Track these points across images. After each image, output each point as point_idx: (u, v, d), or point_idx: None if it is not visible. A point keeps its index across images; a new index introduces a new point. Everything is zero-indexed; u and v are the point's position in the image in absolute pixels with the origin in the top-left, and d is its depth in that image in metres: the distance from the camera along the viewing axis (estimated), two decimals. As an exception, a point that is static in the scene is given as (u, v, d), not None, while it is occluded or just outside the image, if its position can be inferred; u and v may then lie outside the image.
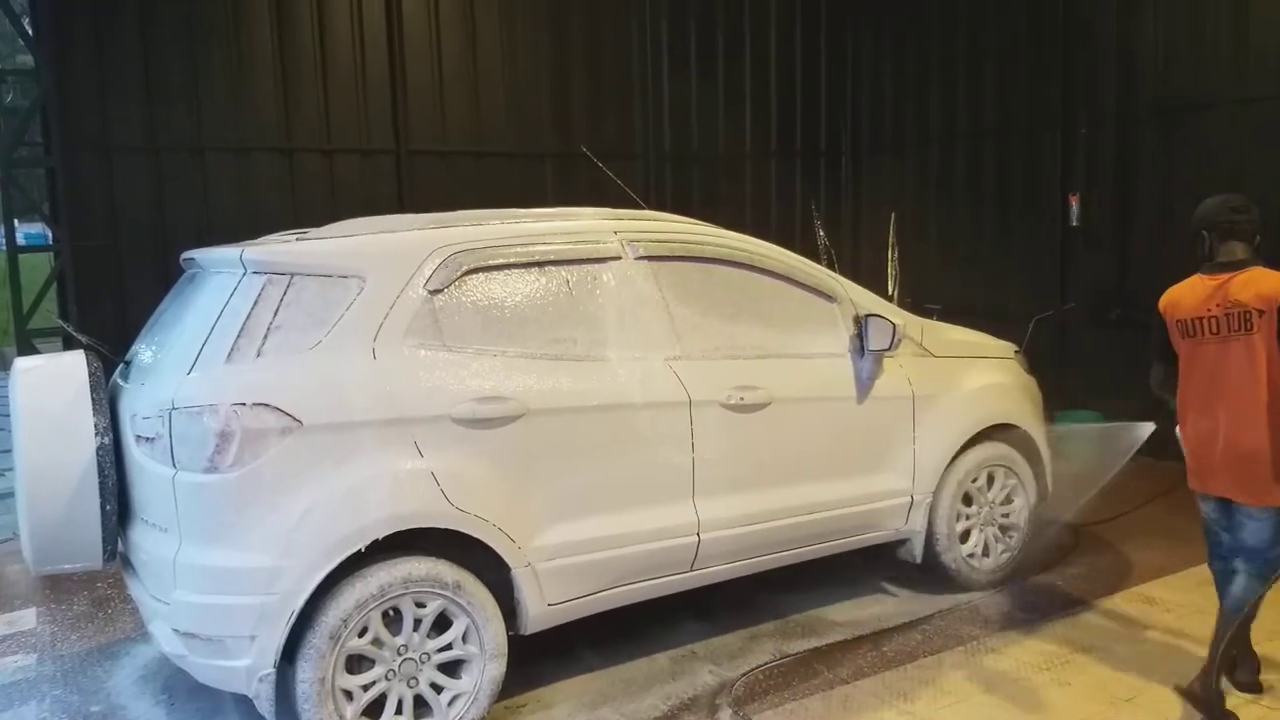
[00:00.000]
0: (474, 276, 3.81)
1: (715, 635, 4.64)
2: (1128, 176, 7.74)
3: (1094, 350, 7.80)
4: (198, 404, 3.32)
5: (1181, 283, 3.80)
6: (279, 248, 3.66)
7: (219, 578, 3.32)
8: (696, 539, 4.14)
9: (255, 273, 3.52)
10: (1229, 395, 3.61)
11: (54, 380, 3.67)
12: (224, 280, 3.59)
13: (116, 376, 3.96)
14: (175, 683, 4.29)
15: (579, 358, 3.94)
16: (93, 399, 3.63)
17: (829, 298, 4.67)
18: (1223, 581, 3.86)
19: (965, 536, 5.03)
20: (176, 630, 3.39)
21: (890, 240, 5.90)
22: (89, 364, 3.71)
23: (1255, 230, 3.65)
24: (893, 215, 6.07)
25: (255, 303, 3.47)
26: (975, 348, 5.20)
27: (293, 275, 3.54)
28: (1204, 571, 4.12)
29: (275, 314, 3.47)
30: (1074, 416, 6.82)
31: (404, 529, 3.49)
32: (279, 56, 7.67)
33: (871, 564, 5.17)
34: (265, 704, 3.35)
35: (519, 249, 3.94)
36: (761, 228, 4.57)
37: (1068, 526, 5.88)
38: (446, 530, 3.58)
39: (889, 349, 4.53)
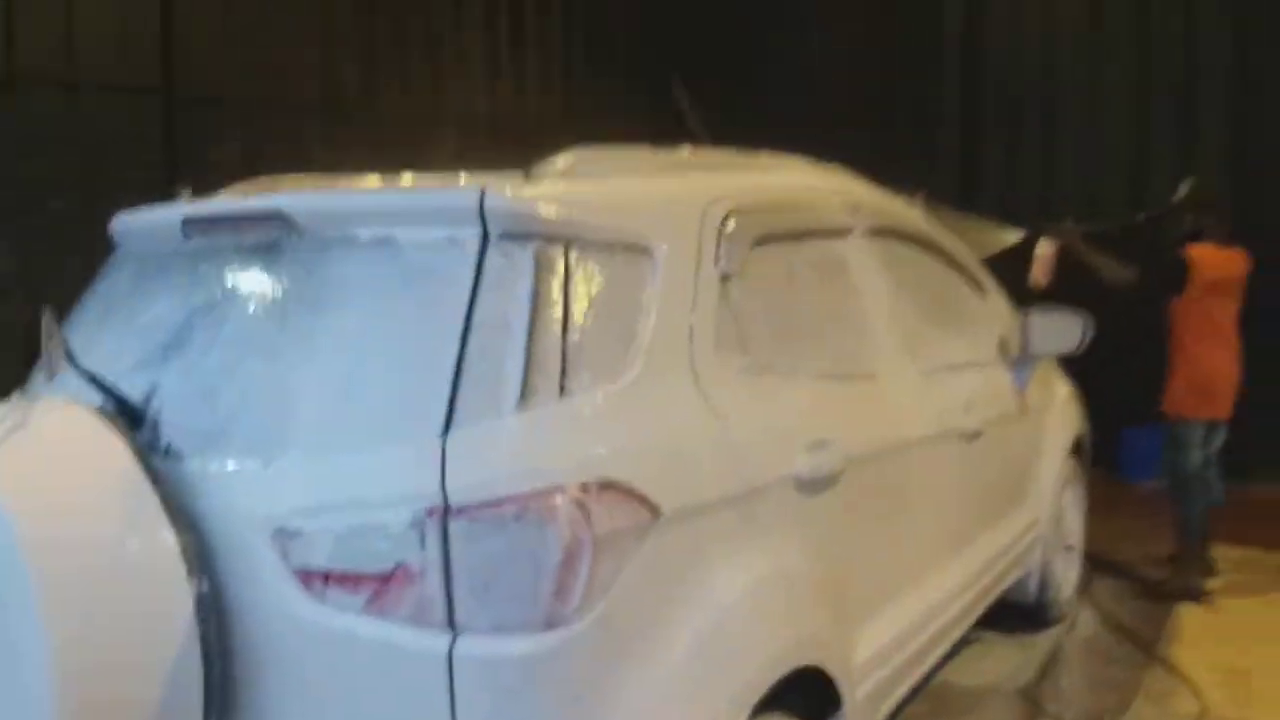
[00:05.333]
0: (760, 251, 2.43)
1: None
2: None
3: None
4: (508, 494, 1.66)
5: (1201, 246, 4.69)
6: (542, 194, 2.00)
7: None
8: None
9: (509, 237, 1.88)
10: (1231, 340, 4.78)
11: (64, 468, 1.71)
12: (415, 255, 1.89)
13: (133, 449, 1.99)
14: None
15: (859, 375, 2.72)
16: (163, 506, 1.74)
17: (982, 288, 3.82)
18: (1200, 490, 4.83)
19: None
20: None
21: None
22: (116, 427, 1.79)
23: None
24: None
25: (534, 294, 1.84)
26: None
27: (568, 244, 1.95)
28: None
29: (565, 314, 1.87)
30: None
31: (802, 666, 2.10)
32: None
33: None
34: None
35: (795, 214, 2.62)
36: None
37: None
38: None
39: (1078, 349, 3.77)
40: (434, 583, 1.63)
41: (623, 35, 8.22)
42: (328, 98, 6.20)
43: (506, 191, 1.90)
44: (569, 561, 1.66)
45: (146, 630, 1.67)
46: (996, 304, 3.90)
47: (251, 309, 2.02)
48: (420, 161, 3.30)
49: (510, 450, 1.70)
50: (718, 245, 2.27)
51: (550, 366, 1.80)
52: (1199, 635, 4.35)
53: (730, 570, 2.00)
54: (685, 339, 2.09)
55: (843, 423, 2.49)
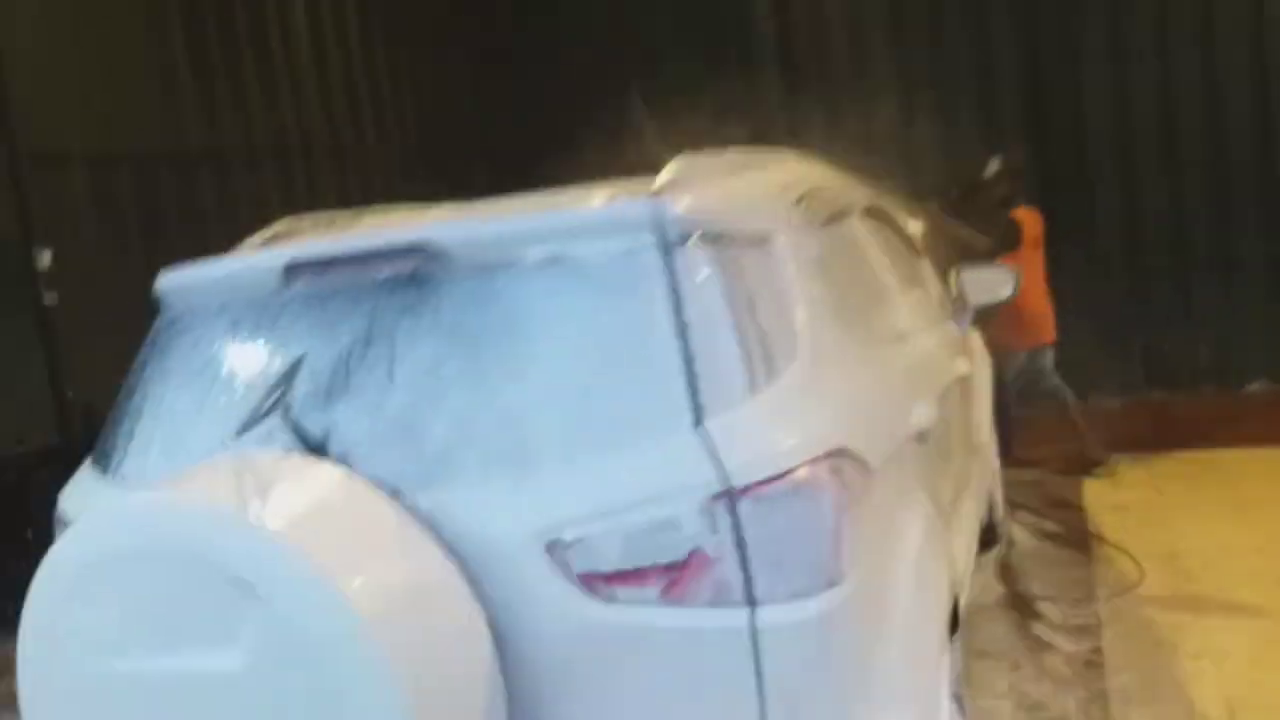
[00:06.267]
0: (823, 233, 2.61)
1: None
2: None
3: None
4: (780, 470, 1.76)
5: (1022, 209, 5.81)
6: (694, 198, 2.07)
7: None
8: None
9: (685, 241, 1.96)
10: (1044, 282, 5.90)
11: (346, 520, 1.69)
12: (595, 268, 1.95)
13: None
14: None
15: (898, 337, 2.95)
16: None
17: (919, 252, 4.16)
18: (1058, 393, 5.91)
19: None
20: None
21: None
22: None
23: None
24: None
25: (726, 291, 1.95)
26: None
27: (728, 243, 2.05)
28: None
29: (751, 305, 1.99)
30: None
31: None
32: None
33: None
34: None
35: (831, 197, 2.82)
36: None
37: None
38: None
39: (1010, 298, 4.15)
40: (730, 563, 1.72)
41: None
42: (173, 146, 5.84)
43: (675, 200, 1.99)
44: (838, 524, 1.79)
45: (461, 658, 1.67)
46: (929, 264, 4.25)
47: (423, 342, 1.99)
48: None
49: (763, 432, 1.81)
50: (805, 230, 2.44)
51: (758, 354, 1.92)
52: (1116, 530, 4.93)
53: (906, 518, 2.19)
54: (819, 315, 2.24)
55: (917, 380, 2.72)
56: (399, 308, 2.03)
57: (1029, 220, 5.75)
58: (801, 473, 1.77)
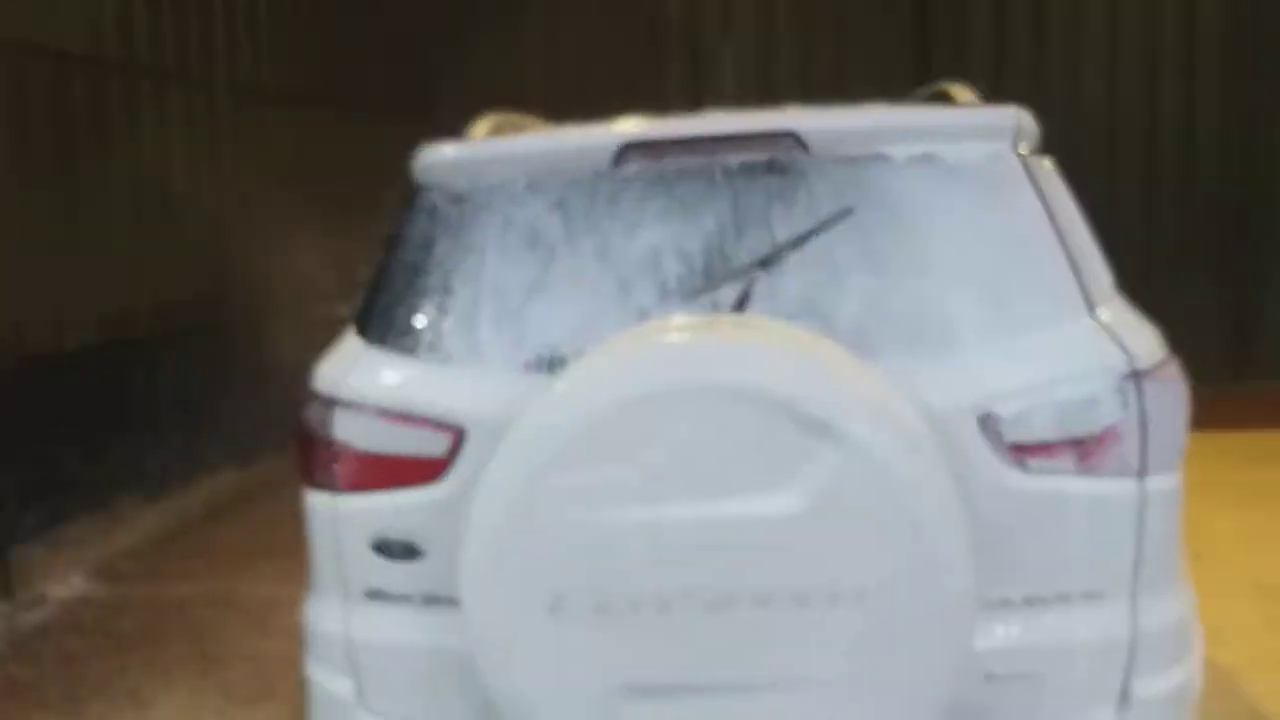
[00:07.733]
0: None
1: None
2: None
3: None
4: (1163, 359, 2.02)
5: None
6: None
7: (1182, 633, 2.09)
8: None
9: (1031, 151, 2.16)
10: None
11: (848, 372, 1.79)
12: (966, 169, 2.06)
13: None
14: None
15: None
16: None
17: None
18: None
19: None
20: None
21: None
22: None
23: None
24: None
25: (1072, 199, 2.18)
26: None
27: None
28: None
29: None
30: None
31: None
32: None
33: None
34: None
35: None
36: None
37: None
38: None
39: None
40: (1133, 438, 1.93)
41: None
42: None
43: (1020, 111, 2.16)
44: (1187, 407, 2.07)
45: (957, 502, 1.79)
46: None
47: (803, 228, 2.03)
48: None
49: (1134, 324, 2.06)
50: None
51: (1102, 257, 2.17)
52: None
53: None
54: None
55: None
56: (766, 194, 2.07)
57: None
58: (1172, 364, 2.03)
